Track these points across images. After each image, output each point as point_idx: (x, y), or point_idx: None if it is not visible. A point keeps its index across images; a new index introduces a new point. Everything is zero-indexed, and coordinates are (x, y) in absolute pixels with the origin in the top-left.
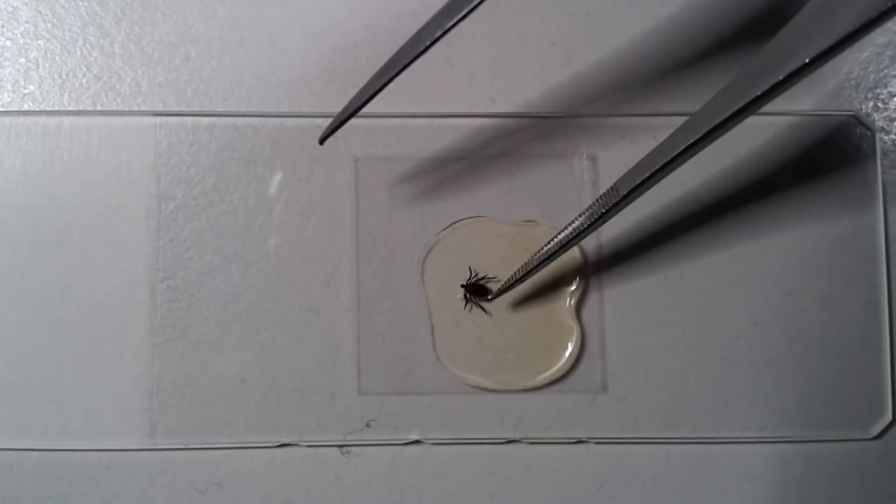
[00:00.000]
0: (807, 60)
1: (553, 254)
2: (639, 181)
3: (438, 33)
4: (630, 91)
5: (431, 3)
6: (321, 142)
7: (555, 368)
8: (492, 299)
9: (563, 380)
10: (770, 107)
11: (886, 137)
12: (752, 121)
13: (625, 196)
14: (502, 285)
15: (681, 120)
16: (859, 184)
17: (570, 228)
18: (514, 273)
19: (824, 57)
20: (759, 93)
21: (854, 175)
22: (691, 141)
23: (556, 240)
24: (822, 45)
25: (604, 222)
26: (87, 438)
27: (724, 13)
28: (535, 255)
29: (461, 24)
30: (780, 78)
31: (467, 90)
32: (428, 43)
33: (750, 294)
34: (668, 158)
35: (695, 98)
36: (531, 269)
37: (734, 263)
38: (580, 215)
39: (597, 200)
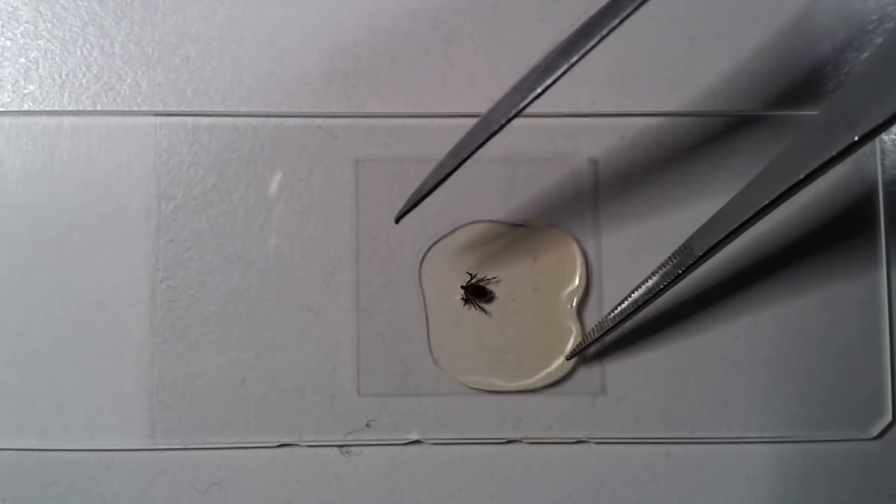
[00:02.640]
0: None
1: (628, 315)
2: (714, 241)
3: (512, 113)
4: (631, 91)
5: (432, 4)
6: (397, 220)
7: (555, 369)
8: (569, 359)
9: (564, 380)
10: (770, 108)
11: (886, 137)
12: (752, 121)
13: (700, 256)
14: (577, 346)
15: (681, 120)
16: (859, 184)
17: (644, 288)
18: (589, 334)
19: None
20: (834, 152)
21: (854, 175)
22: (767, 202)
23: (630, 300)
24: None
25: (678, 282)
26: (87, 438)
27: (724, 13)
28: (608, 315)
29: (462, 25)
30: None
31: (467, 90)
32: (504, 122)
33: (750, 294)
34: (745, 218)
35: (695, 98)
36: (606, 332)
37: (734, 263)
38: (653, 274)
39: (670, 259)
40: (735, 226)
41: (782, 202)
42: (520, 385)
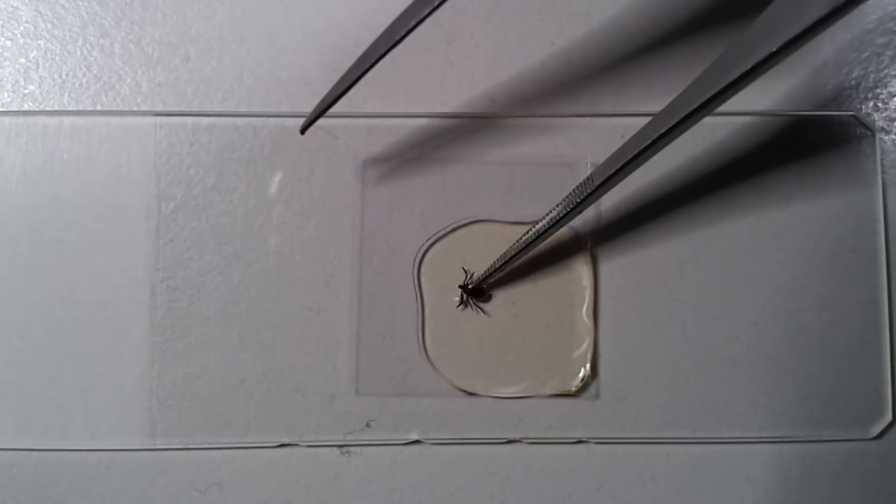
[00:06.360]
0: (774, 49)
1: (530, 243)
2: (612, 171)
3: (413, 23)
4: (630, 91)
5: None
6: (302, 131)
7: (575, 382)
8: (471, 287)
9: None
10: (770, 107)
11: (886, 137)
12: (752, 121)
13: (599, 186)
14: (482, 276)
15: None
16: (859, 184)
17: (546, 219)
18: (492, 264)
19: (791, 46)
20: (725, 84)
21: (854, 175)
22: (662, 131)
23: (533, 230)
24: (789, 34)
25: (579, 212)
26: (87, 438)
27: (723, 13)
28: (514, 245)
29: (462, 25)
30: (748, 68)
31: (467, 90)
32: (403, 33)
33: (750, 294)
34: (640, 149)
35: None
36: (508, 260)
37: (734, 263)
38: (557, 205)
39: (573, 191)
40: (629, 158)
41: (675, 135)
42: (524, 391)
